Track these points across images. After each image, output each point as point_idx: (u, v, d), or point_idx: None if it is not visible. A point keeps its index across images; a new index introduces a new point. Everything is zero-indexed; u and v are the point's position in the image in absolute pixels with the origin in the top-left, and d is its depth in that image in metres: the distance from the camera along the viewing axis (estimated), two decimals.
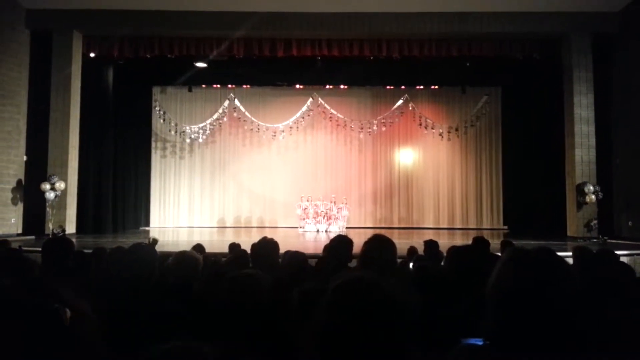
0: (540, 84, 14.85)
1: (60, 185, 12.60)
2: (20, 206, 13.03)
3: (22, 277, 2.57)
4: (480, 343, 1.50)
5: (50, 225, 12.63)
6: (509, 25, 13.11)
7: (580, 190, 13.05)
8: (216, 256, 5.30)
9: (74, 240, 11.10)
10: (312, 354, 1.14)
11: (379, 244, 2.39)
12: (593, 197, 12.84)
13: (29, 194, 12.95)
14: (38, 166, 13.00)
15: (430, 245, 5.43)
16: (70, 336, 0.77)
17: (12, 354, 0.74)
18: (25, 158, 13.18)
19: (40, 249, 3.39)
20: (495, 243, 6.90)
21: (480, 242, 4.92)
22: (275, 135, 16.75)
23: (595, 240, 12.32)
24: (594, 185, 12.94)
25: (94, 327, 0.84)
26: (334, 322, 1.11)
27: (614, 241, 12.06)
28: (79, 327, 0.79)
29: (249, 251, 3.98)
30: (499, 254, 5.09)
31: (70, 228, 13.20)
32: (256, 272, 1.92)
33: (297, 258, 3.43)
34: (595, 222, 12.97)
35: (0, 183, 12.55)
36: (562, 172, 13.85)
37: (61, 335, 0.76)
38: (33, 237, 12.26)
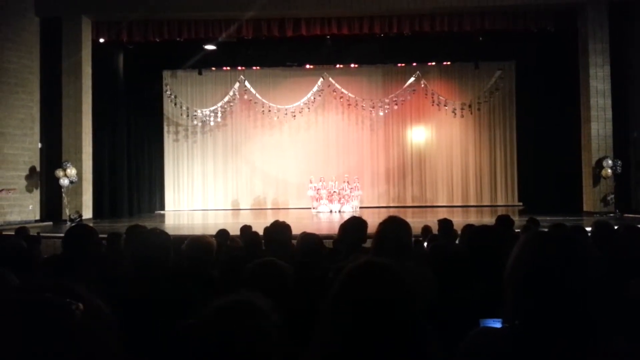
0: (554, 57, 14.52)
1: (71, 171, 12.69)
2: (37, 193, 13.21)
3: (31, 271, 2.58)
4: (499, 324, 1.48)
5: (67, 211, 12.79)
6: None
7: (599, 165, 12.86)
8: (234, 240, 5.31)
9: (91, 224, 11.27)
10: (325, 335, 1.14)
11: (394, 226, 2.37)
12: (609, 171, 12.64)
13: (45, 180, 13.12)
14: (53, 153, 13.15)
15: (445, 224, 5.40)
16: (83, 332, 0.75)
17: (20, 350, 0.72)
18: (40, 145, 13.31)
19: (57, 234, 3.38)
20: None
21: (503, 221, 4.83)
22: (286, 116, 16.68)
23: (611, 215, 12.17)
24: (613, 160, 12.73)
25: (110, 324, 0.82)
26: (344, 305, 1.12)
27: (630, 215, 11.91)
28: (93, 323, 0.77)
29: (261, 233, 3.99)
30: (518, 230, 5.04)
31: (87, 213, 13.37)
32: (276, 260, 1.94)
33: (311, 240, 3.42)
34: (612, 196, 12.80)
35: (16, 170, 12.71)
36: (578, 146, 13.64)
37: (72, 331, 0.74)
38: (51, 223, 12.46)
